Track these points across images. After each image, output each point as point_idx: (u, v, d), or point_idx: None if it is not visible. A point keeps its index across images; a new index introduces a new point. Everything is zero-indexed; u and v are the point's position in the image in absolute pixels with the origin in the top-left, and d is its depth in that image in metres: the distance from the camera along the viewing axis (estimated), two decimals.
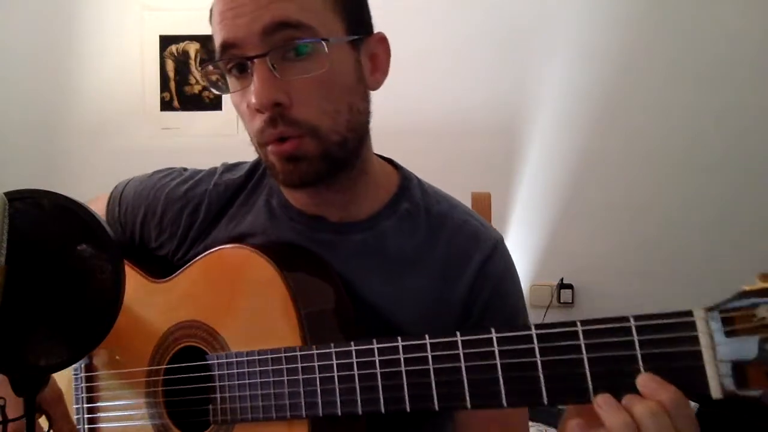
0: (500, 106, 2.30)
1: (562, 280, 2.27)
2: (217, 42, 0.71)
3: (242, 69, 0.71)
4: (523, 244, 2.27)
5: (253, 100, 0.68)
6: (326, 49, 0.69)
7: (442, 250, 0.81)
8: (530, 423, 1.68)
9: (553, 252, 2.27)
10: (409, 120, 2.23)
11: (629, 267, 2.23)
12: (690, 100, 2.20)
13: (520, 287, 0.86)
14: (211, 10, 0.75)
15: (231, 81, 0.74)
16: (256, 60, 0.68)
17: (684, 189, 2.22)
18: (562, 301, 2.26)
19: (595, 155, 2.25)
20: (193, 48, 2.43)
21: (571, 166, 2.26)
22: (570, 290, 2.27)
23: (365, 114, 0.77)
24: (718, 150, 2.19)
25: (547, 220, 2.28)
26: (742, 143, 2.17)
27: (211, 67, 0.75)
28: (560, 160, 2.26)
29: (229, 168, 0.90)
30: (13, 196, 0.56)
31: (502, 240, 0.85)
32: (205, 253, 0.81)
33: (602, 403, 0.52)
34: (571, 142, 2.26)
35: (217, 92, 0.76)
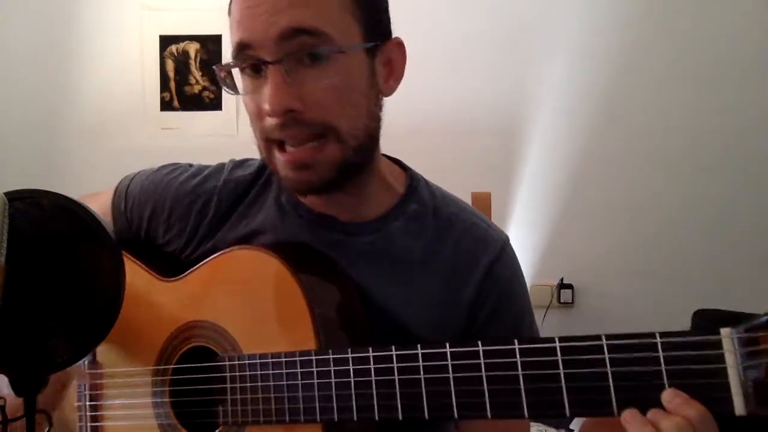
0: (500, 106, 2.30)
1: (562, 280, 2.27)
2: (234, 40, 0.71)
3: (256, 69, 0.71)
4: (523, 244, 2.27)
5: (266, 107, 0.68)
6: (342, 57, 0.70)
7: (450, 251, 0.81)
8: (530, 423, 1.68)
9: (553, 252, 2.27)
10: (409, 120, 2.22)
11: (629, 267, 2.23)
12: (690, 100, 2.20)
13: (526, 288, 0.86)
14: (230, 4, 0.74)
15: (244, 80, 0.73)
16: (270, 65, 0.68)
17: (684, 189, 2.22)
18: (562, 301, 2.26)
19: (595, 155, 2.25)
20: (193, 48, 2.42)
21: (571, 166, 2.25)
22: (570, 290, 2.27)
23: (379, 120, 0.77)
24: (718, 150, 2.19)
25: (547, 220, 2.28)
26: (742, 143, 2.18)
27: (222, 66, 0.75)
28: (560, 160, 2.26)
29: (238, 165, 0.89)
30: (13, 196, 0.56)
31: (509, 241, 0.86)
32: (217, 253, 0.80)
33: (630, 418, 0.52)
34: (571, 142, 2.26)
35: (230, 93, 0.76)
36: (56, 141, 2.48)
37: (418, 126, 2.25)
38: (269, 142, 0.73)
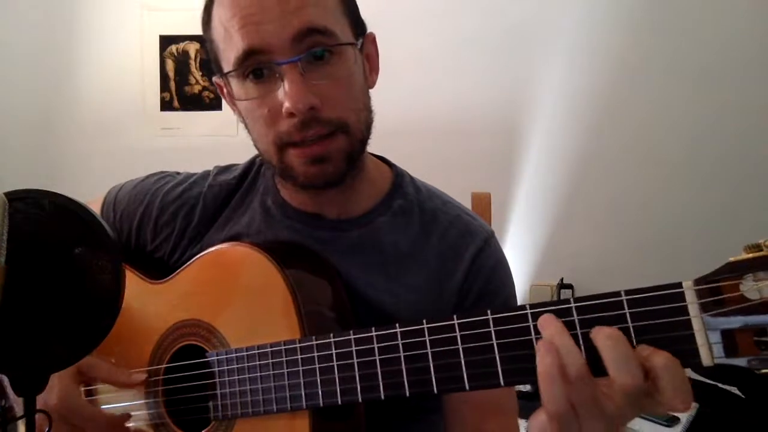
0: (500, 106, 2.30)
1: (562, 280, 2.27)
2: (239, 49, 0.70)
3: (259, 74, 0.72)
4: (523, 244, 2.27)
5: (287, 105, 0.69)
6: (345, 53, 0.72)
7: (436, 244, 0.82)
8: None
9: (553, 252, 2.27)
10: (410, 120, 2.23)
11: (629, 267, 2.23)
12: (690, 100, 2.20)
13: (512, 281, 0.87)
14: (208, 13, 0.75)
15: (246, 86, 0.73)
16: (285, 65, 0.69)
17: (684, 189, 2.21)
18: None
19: (595, 155, 2.25)
20: (193, 48, 2.43)
21: (571, 166, 2.25)
22: (570, 290, 2.27)
23: (372, 112, 0.79)
24: (718, 150, 2.19)
25: (547, 220, 2.28)
26: (743, 143, 2.17)
27: (220, 77, 0.76)
28: (560, 160, 2.26)
29: (222, 170, 0.91)
30: (13, 196, 0.56)
31: (493, 234, 0.87)
32: (204, 252, 0.81)
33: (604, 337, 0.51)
34: (571, 142, 2.26)
35: (226, 99, 0.77)
36: (56, 141, 2.48)
37: (418, 126, 2.25)
38: (284, 145, 0.73)
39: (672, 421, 1.57)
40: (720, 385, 1.71)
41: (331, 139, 0.72)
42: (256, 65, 0.71)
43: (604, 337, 0.51)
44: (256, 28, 0.69)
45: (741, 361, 0.49)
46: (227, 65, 0.73)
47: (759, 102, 2.15)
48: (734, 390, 1.70)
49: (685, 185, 2.21)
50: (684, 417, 1.59)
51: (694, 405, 1.65)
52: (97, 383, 0.84)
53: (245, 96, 0.74)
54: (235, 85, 0.74)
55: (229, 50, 0.72)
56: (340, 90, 0.72)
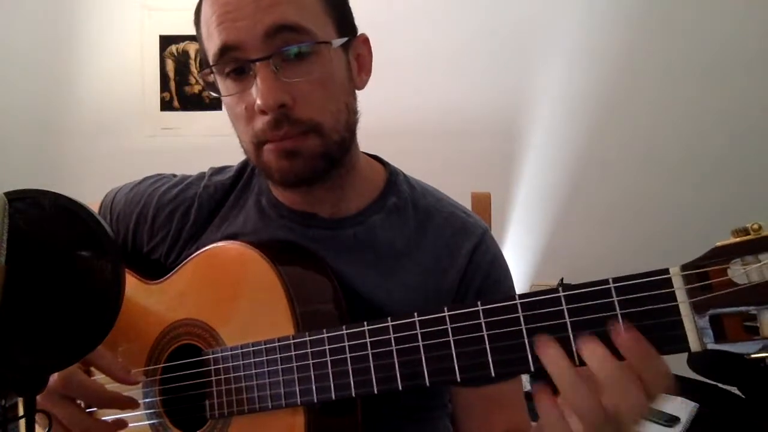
0: (500, 106, 2.30)
1: (562, 280, 2.27)
2: (216, 45, 0.72)
3: (239, 72, 0.72)
4: (523, 244, 2.27)
5: (258, 102, 0.69)
6: (325, 51, 0.72)
7: (431, 242, 0.83)
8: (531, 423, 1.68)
9: (553, 252, 2.27)
10: (410, 120, 2.23)
11: (629, 267, 2.21)
12: (690, 100, 2.20)
13: (510, 274, 0.87)
14: (198, 14, 0.76)
15: (227, 84, 0.74)
16: (258, 63, 0.69)
17: (684, 189, 2.22)
18: None
19: (595, 155, 2.25)
20: (193, 48, 2.43)
21: (571, 167, 2.26)
22: None
23: (356, 113, 0.79)
24: (719, 150, 2.19)
25: (546, 220, 2.28)
26: (743, 143, 2.18)
27: (208, 70, 0.76)
28: (560, 160, 2.26)
29: (217, 171, 0.92)
30: (13, 196, 0.56)
31: (488, 229, 0.87)
32: (199, 251, 0.82)
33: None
34: (571, 143, 2.26)
35: (216, 95, 0.77)
36: (56, 141, 2.48)
37: (418, 126, 2.25)
38: (260, 143, 0.74)
39: (672, 421, 1.56)
40: (720, 385, 1.71)
41: (303, 138, 0.72)
42: (232, 62, 0.71)
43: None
44: (232, 25, 0.70)
45: (730, 347, 0.48)
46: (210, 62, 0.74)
47: (759, 102, 2.15)
48: (734, 390, 1.70)
49: (685, 185, 2.22)
50: (684, 417, 1.59)
51: (695, 405, 1.65)
52: (96, 374, 0.84)
53: (226, 92, 0.74)
54: (219, 82, 0.75)
55: (210, 47, 0.73)
56: (316, 89, 0.72)
